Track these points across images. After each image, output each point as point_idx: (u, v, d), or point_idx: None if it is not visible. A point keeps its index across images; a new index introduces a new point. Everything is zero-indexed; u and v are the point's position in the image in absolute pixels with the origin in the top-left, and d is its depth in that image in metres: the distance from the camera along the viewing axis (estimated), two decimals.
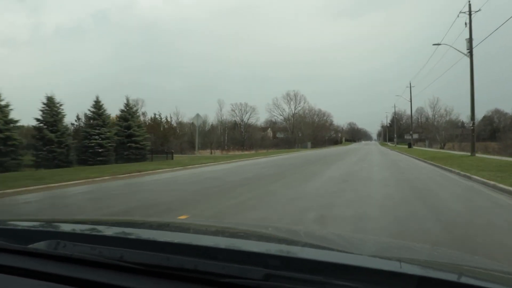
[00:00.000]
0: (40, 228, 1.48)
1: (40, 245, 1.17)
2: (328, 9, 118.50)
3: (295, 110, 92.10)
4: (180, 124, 73.85)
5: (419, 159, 24.14)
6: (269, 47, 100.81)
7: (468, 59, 23.14)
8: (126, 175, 13.73)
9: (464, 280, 0.94)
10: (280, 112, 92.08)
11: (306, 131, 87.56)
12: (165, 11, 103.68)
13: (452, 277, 0.96)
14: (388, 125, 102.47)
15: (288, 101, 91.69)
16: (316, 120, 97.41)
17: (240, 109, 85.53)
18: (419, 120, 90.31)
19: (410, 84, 57.55)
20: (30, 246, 1.17)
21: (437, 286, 0.89)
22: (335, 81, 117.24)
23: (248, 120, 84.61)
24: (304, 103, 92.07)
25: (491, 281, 0.99)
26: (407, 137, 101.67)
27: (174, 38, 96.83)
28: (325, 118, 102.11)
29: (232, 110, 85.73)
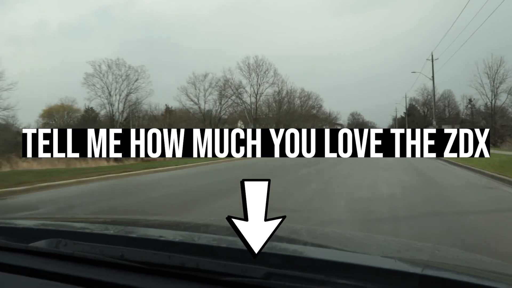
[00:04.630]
0: (41, 227, 1.48)
1: (41, 244, 1.17)
2: (331, 4, 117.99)
3: (258, 87, 55.40)
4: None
5: None
6: (270, 43, 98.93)
7: None
8: None
9: (465, 278, 0.94)
10: (236, 92, 55.24)
11: (271, 122, 56.46)
12: (165, 7, 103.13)
13: (453, 276, 0.96)
14: (403, 115, 75.82)
15: (248, 73, 54.93)
16: (299, 103, 64.36)
17: (118, 75, 44.47)
18: (448, 109, 64.13)
19: None
20: (31, 244, 1.17)
21: (439, 285, 0.89)
22: (338, 76, 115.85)
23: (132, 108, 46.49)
24: (275, 77, 56.13)
25: (492, 279, 0.98)
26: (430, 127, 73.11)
27: (174, 34, 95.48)
28: (310, 102, 66.58)
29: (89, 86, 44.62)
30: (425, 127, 62.89)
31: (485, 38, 71.69)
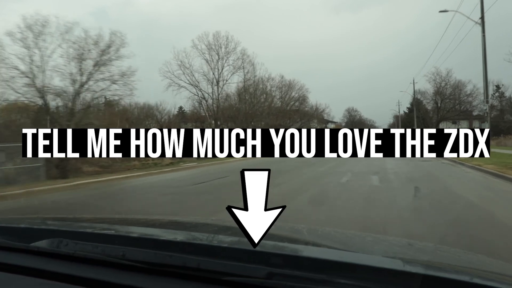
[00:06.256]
0: (43, 227, 1.48)
1: (43, 244, 1.17)
2: (329, 2, 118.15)
3: (221, 71, 38.24)
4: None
5: None
6: (268, 41, 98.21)
7: None
8: None
9: (467, 279, 0.94)
10: (193, 79, 37.63)
11: (237, 119, 39.33)
12: (162, 7, 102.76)
13: (455, 276, 0.96)
14: (406, 111, 64.62)
15: (207, 52, 38.14)
16: (278, 94, 48.35)
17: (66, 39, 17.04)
18: (457, 97, 53.02)
19: None
20: (33, 244, 1.17)
21: (441, 285, 0.88)
22: (335, 74, 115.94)
23: None
24: (243, 61, 39.31)
25: (494, 280, 0.98)
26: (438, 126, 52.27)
27: (172, 33, 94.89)
28: (292, 94, 50.22)
29: None
30: (439, 122, 50.98)
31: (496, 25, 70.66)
